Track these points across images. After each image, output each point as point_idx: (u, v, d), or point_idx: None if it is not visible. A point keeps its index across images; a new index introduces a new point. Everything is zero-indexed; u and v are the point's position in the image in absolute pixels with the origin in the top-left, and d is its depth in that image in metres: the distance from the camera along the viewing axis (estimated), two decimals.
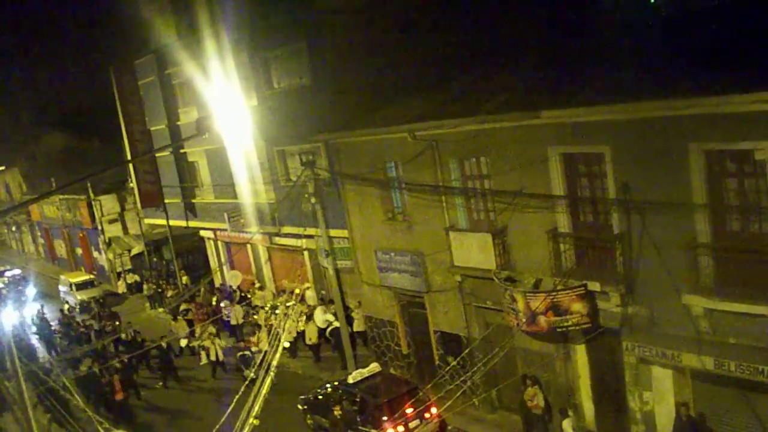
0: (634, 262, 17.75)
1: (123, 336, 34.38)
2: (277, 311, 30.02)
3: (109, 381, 28.68)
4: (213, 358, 30.96)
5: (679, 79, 16.56)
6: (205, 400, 28.77)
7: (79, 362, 32.30)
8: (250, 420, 18.04)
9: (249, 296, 35.64)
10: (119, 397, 28.41)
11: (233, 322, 34.22)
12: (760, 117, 14.66)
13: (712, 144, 15.85)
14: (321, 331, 30.26)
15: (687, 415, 17.65)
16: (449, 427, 22.74)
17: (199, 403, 28.66)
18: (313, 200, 25.85)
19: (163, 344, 31.47)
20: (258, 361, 22.83)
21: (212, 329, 32.08)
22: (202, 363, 31.78)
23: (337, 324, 28.25)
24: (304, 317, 30.58)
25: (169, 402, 30.02)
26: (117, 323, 38.31)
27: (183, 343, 34.08)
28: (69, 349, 35.90)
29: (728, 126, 15.30)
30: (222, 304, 35.61)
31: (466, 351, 22.40)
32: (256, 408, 18.33)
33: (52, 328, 40.97)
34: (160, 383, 31.50)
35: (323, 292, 32.56)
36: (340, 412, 22.11)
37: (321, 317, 30.06)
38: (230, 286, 37.81)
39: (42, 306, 44.85)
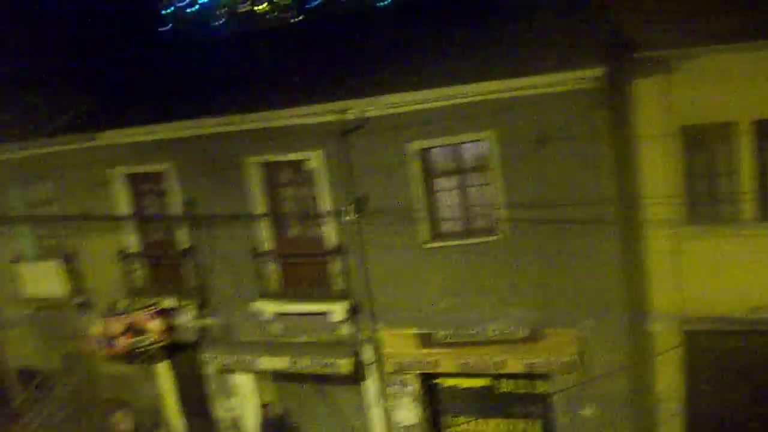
0: (206, 275, 18.22)
1: None
2: None
3: None
4: None
5: (237, 96, 17.37)
6: None
7: None
8: None
9: None
10: None
11: None
12: (303, 130, 15.98)
13: (266, 156, 16.84)
14: None
15: (272, 413, 18.49)
16: None
17: None
18: None
19: None
20: None
21: None
22: None
23: None
24: None
25: None
26: None
27: None
28: None
29: (279, 139, 16.39)
30: None
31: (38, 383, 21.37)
32: None
33: None
34: None
35: None
36: None
37: None
38: None
39: None
